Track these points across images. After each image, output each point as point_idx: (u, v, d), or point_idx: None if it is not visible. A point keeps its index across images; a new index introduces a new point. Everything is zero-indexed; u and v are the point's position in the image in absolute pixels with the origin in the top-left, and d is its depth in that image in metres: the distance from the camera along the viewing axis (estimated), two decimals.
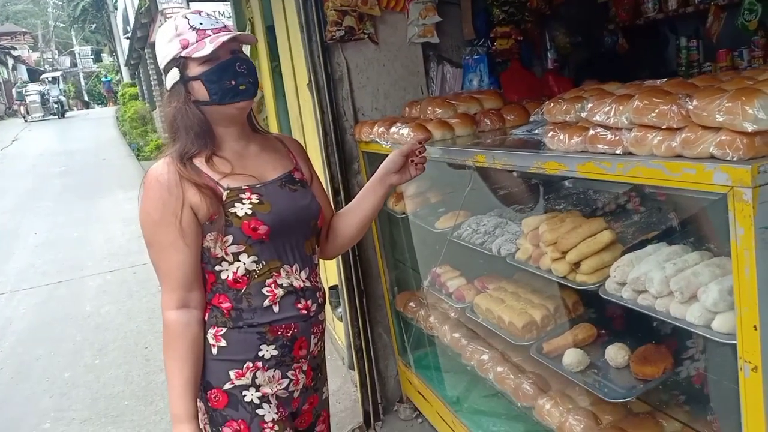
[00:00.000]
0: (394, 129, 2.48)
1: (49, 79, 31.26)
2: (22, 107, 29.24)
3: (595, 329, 1.86)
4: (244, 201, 1.45)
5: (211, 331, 1.49)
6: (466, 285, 2.40)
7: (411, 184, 2.86)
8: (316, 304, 1.56)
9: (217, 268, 1.48)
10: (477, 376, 2.44)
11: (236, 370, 1.49)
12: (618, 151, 1.37)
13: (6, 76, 36.65)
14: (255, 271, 1.47)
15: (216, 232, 1.44)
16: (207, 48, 1.40)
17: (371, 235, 2.96)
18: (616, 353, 1.68)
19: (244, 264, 1.47)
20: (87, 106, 39.87)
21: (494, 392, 2.43)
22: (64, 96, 30.31)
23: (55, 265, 6.96)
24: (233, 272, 1.47)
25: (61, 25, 40.57)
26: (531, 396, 1.96)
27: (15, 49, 41.06)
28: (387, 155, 2.61)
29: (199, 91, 1.45)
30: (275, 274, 1.49)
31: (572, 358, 1.73)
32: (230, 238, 1.45)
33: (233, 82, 1.44)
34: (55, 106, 27.55)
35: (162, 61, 1.48)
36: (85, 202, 10.42)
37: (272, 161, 1.57)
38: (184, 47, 1.43)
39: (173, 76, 1.46)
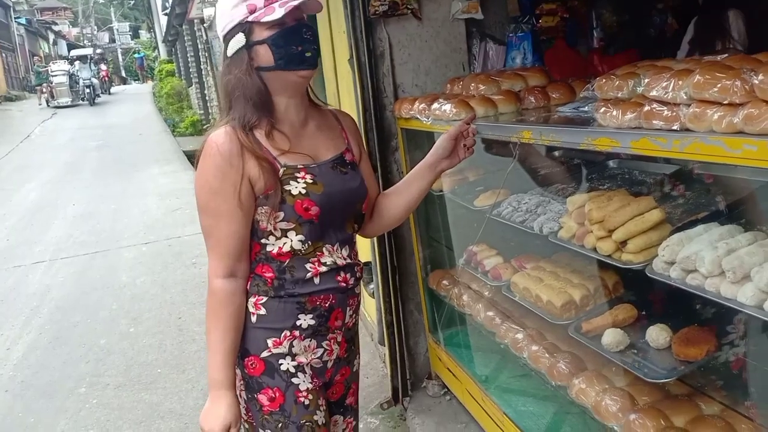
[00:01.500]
0: (435, 105, 2.46)
1: (78, 57, 27.45)
2: (43, 90, 24.46)
3: (636, 310, 1.83)
4: (298, 180, 1.45)
5: (251, 300, 1.50)
6: (503, 264, 2.38)
7: None
8: (354, 277, 1.57)
9: (264, 240, 1.49)
10: (508, 355, 2.43)
11: (274, 339, 1.50)
12: (675, 127, 1.33)
13: (47, 50, 37.40)
14: (300, 249, 1.48)
15: (269, 206, 1.44)
16: (277, 12, 1.39)
17: None
18: (657, 334, 1.65)
19: (291, 242, 1.48)
20: (124, 82, 40.59)
21: (525, 372, 2.42)
22: (97, 78, 26.12)
23: (92, 236, 7.11)
24: (279, 247, 1.48)
25: (101, 1, 41.13)
26: (566, 375, 1.95)
27: (56, 24, 41.89)
28: (427, 132, 2.63)
29: (264, 56, 1.43)
30: (319, 253, 1.50)
31: (612, 337, 1.71)
32: (281, 214, 1.45)
33: (300, 48, 1.42)
34: (87, 90, 23.48)
35: (225, 28, 1.45)
36: (121, 175, 10.60)
37: (327, 141, 1.57)
38: (252, 12, 1.41)
39: (238, 41, 1.43)
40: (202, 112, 15.85)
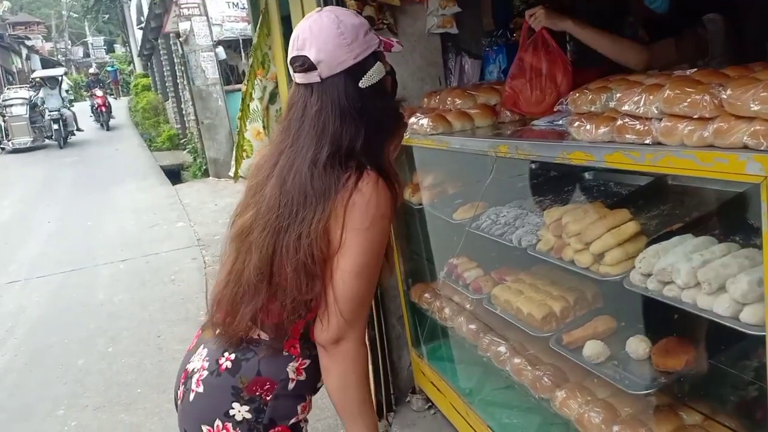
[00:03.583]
0: (413, 119, 2.48)
1: (43, 80, 17.69)
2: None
3: (615, 321, 1.85)
4: None
5: (294, 364, 1.36)
6: (483, 276, 2.40)
7: (428, 175, 2.86)
8: None
9: None
10: (490, 368, 2.44)
11: (302, 403, 1.40)
12: (647, 141, 1.36)
13: (20, 65, 36.89)
14: None
15: None
16: (397, 47, 1.37)
17: None
18: (637, 345, 1.67)
19: None
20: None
21: (508, 384, 2.43)
22: (69, 107, 17.63)
23: (68, 254, 7.00)
24: None
25: (75, 15, 40.79)
26: (549, 388, 1.96)
27: (29, 38, 41.29)
28: (405, 146, 2.64)
29: (389, 88, 1.38)
30: None
31: (593, 349, 1.72)
32: None
33: None
34: (54, 127, 16.12)
35: (359, 55, 1.28)
36: (97, 191, 10.48)
37: None
38: (380, 41, 1.34)
39: (378, 70, 1.31)
40: (179, 126, 15.75)
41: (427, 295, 2.89)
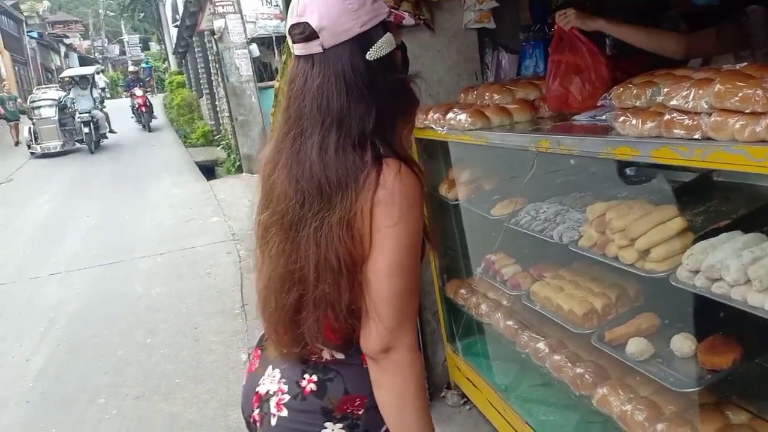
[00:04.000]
0: (450, 115, 2.47)
1: (75, 79, 16.53)
2: (13, 131, 16.81)
3: (658, 318, 1.83)
4: None
5: None
6: (521, 273, 2.39)
7: (464, 171, 2.85)
8: None
9: None
10: (527, 364, 2.43)
11: None
12: (696, 136, 1.33)
13: (59, 63, 37.83)
14: None
15: None
16: (408, 20, 1.28)
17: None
18: (682, 343, 1.65)
19: None
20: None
21: (544, 381, 2.41)
22: (101, 107, 16.33)
23: (107, 248, 7.17)
24: None
25: (111, 14, 41.60)
26: (590, 384, 1.94)
27: (67, 37, 42.39)
28: (441, 142, 2.64)
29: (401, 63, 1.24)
30: None
31: (637, 346, 1.70)
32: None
33: None
34: (85, 130, 14.84)
35: (366, 24, 1.16)
36: (134, 187, 10.70)
37: None
38: (389, 11, 1.21)
39: (388, 41, 1.17)
40: (213, 122, 15.96)
41: (462, 290, 2.88)
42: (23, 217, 9.21)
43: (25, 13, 34.03)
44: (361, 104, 1.14)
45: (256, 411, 1.31)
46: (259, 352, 1.38)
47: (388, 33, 1.18)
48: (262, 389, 1.31)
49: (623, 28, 2.21)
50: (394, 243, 1.12)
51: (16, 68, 28.78)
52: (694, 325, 1.70)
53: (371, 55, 1.15)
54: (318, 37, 1.14)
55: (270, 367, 1.32)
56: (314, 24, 1.14)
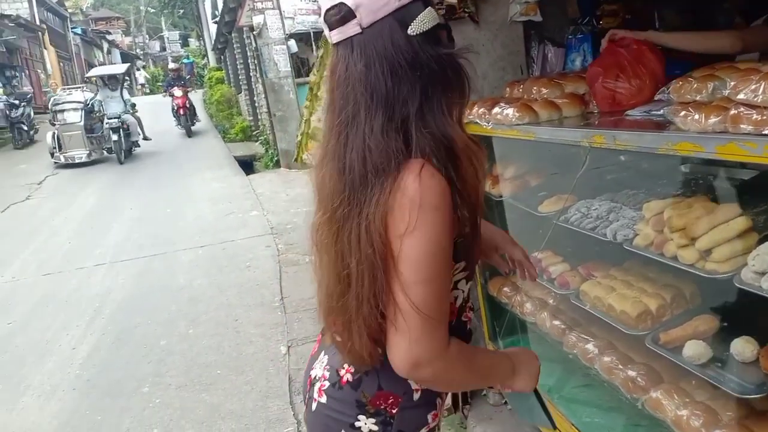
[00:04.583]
0: (496, 109, 2.43)
1: (102, 79, 13.96)
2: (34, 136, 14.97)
3: (716, 321, 1.76)
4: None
5: None
6: (570, 271, 2.34)
7: (509, 167, 2.81)
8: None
9: None
10: (572, 364, 2.37)
11: (433, 412, 1.28)
12: (765, 132, 1.28)
13: (102, 59, 38.76)
14: (465, 298, 1.27)
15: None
16: None
17: None
18: (743, 347, 1.58)
19: (463, 292, 1.25)
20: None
21: (588, 382, 2.36)
22: (132, 111, 13.85)
23: (150, 239, 7.30)
24: (450, 303, 1.19)
25: (152, 10, 42.37)
26: (643, 387, 1.89)
27: (110, 33, 43.44)
28: (486, 136, 2.60)
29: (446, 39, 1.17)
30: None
31: (694, 350, 1.64)
32: (463, 262, 1.21)
33: None
34: (114, 137, 12.61)
35: None
36: (175, 180, 10.89)
37: None
38: None
39: (430, 15, 1.11)
40: (251, 118, 16.12)
41: (506, 288, 2.84)
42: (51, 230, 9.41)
43: (70, 10, 34.93)
44: (405, 83, 1.08)
45: (307, 394, 1.35)
46: (320, 336, 1.39)
47: (429, 7, 1.11)
48: (312, 373, 1.34)
49: (673, 37, 2.18)
50: (414, 251, 1.06)
51: (61, 64, 29.60)
52: (756, 329, 1.63)
53: (413, 29, 1.09)
54: (355, 16, 1.08)
55: (323, 352, 1.34)
56: (350, 2, 1.09)
